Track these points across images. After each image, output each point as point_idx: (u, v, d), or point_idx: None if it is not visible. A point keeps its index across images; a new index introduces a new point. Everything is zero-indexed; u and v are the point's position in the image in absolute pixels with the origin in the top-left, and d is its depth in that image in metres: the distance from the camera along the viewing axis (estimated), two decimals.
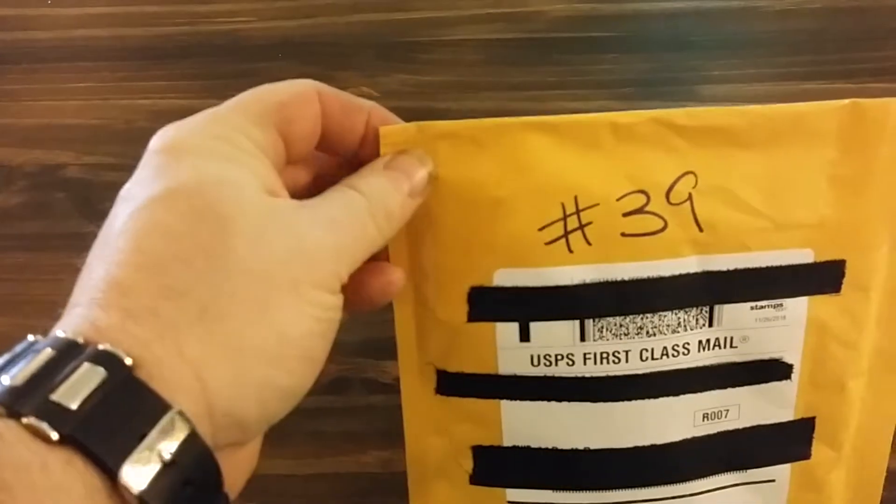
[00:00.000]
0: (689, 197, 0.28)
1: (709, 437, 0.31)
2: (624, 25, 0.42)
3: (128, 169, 0.45)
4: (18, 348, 0.21)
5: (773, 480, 0.32)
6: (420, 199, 0.28)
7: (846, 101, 0.29)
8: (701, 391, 0.31)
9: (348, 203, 0.25)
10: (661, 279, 0.29)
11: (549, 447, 0.31)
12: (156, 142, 0.25)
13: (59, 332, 0.21)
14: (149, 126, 0.47)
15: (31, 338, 0.21)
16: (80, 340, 0.20)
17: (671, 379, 0.30)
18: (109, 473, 0.19)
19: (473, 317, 0.30)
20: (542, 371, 0.30)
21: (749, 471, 0.32)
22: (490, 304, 0.29)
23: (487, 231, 0.29)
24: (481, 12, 0.43)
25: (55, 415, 0.19)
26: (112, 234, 0.23)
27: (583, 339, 0.29)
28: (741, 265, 0.29)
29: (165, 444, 0.19)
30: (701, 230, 0.29)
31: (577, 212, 0.28)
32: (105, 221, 0.24)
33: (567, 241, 0.29)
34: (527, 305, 0.29)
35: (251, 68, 0.44)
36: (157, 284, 0.21)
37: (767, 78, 0.42)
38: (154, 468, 0.19)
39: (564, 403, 0.30)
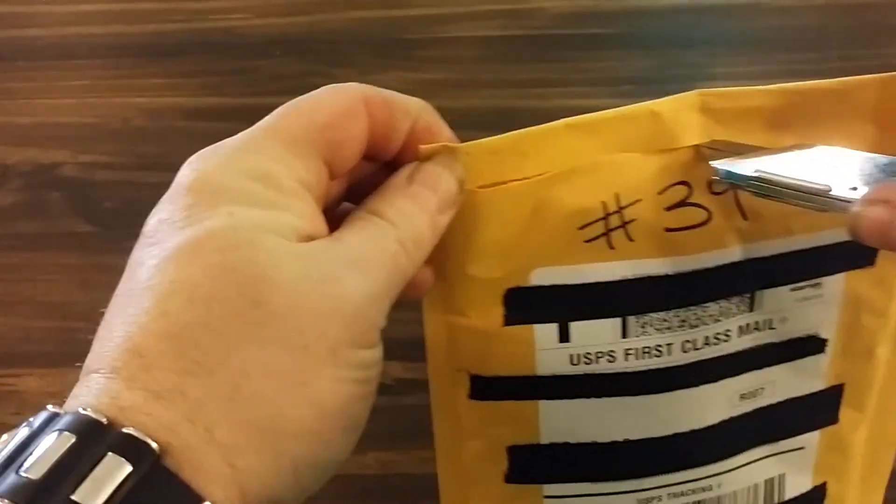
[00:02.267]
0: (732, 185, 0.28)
1: (745, 415, 0.31)
2: (625, 22, 0.41)
3: (124, 167, 0.45)
4: (36, 423, 0.19)
5: (803, 448, 0.32)
6: (451, 212, 0.26)
7: (884, 75, 0.28)
8: (740, 374, 0.30)
9: (376, 235, 0.23)
10: (705, 271, 0.29)
11: (588, 441, 0.31)
12: (188, 175, 0.23)
13: (80, 408, 0.19)
14: (145, 124, 0.47)
15: (50, 408, 0.20)
16: (104, 421, 0.18)
17: (712, 366, 0.30)
18: None
19: (510, 320, 0.29)
20: (581, 369, 0.30)
21: (780, 441, 0.32)
22: (528, 305, 0.29)
23: (525, 233, 0.28)
24: (480, 9, 0.42)
25: (12, 480, 0.17)
26: (136, 289, 0.21)
27: (625, 335, 0.29)
28: (784, 249, 0.29)
29: None
30: (745, 218, 0.28)
31: (620, 209, 0.28)
32: (129, 264, 0.22)
33: (609, 238, 0.28)
34: (566, 304, 0.29)
35: (248, 65, 0.44)
36: (184, 358, 0.19)
37: (769, 74, 0.41)
38: None
39: (604, 399, 0.30)
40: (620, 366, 0.29)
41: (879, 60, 0.41)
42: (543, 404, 0.30)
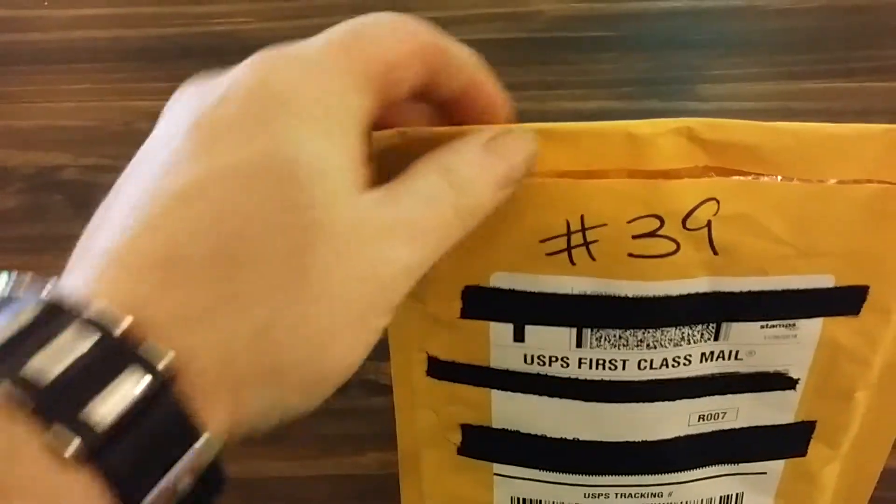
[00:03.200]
0: (708, 224, 0.27)
1: (703, 434, 0.31)
2: (624, 24, 0.42)
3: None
4: (39, 317, 0.18)
5: (765, 473, 0.32)
6: (511, 191, 0.24)
7: (885, 126, 0.26)
8: (700, 396, 0.30)
9: (435, 198, 0.22)
10: (667, 298, 0.28)
11: (538, 434, 0.31)
12: (257, 70, 0.21)
13: (101, 318, 0.17)
14: (147, 127, 0.47)
15: (73, 329, 0.17)
16: (117, 333, 0.17)
17: (669, 386, 0.30)
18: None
19: (467, 314, 0.29)
20: (535, 369, 0.30)
21: (741, 464, 0.32)
22: (485, 304, 0.29)
23: (487, 235, 0.27)
24: (479, 12, 0.42)
25: (84, 430, 0.16)
26: (176, 186, 0.19)
27: (579, 345, 0.29)
28: (756, 288, 0.28)
29: (187, 478, 0.18)
30: (716, 254, 0.27)
31: (583, 230, 0.27)
32: (165, 154, 0.20)
33: (570, 254, 0.28)
34: (523, 309, 0.29)
35: None
36: (223, 285, 0.18)
37: (767, 77, 0.41)
38: (168, 501, 0.17)
39: (556, 399, 0.30)
40: (573, 372, 0.29)
41: (876, 62, 0.41)
42: (496, 393, 0.31)
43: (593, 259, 0.27)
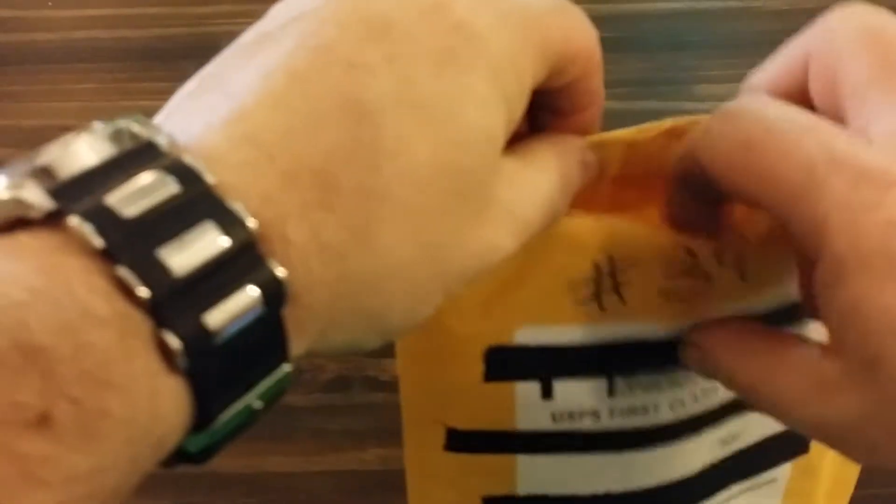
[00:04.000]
0: (742, 254, 0.26)
1: (724, 458, 0.30)
2: (620, 26, 0.42)
3: None
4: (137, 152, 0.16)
5: (775, 479, 0.32)
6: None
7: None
8: (721, 421, 0.29)
9: (547, 182, 0.22)
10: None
11: (568, 494, 0.29)
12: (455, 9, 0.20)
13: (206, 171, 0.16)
14: None
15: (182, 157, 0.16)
16: (250, 231, 0.16)
17: (697, 420, 0.29)
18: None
19: (490, 377, 0.27)
20: (563, 426, 0.28)
21: (753, 478, 0.32)
22: (510, 363, 0.27)
23: (511, 287, 0.26)
24: None
25: (153, 273, 0.15)
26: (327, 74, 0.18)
27: (611, 395, 0.28)
28: (782, 304, 0.27)
29: (257, 403, 0.17)
30: (744, 280, 0.26)
31: (613, 271, 0.26)
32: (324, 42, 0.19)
33: (599, 299, 0.26)
34: (552, 364, 0.27)
35: None
36: (362, 212, 0.18)
37: None
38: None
39: (586, 455, 0.28)
40: (605, 425, 0.28)
41: None
42: (522, 458, 0.29)
43: (624, 302, 0.26)
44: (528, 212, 0.22)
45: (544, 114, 0.24)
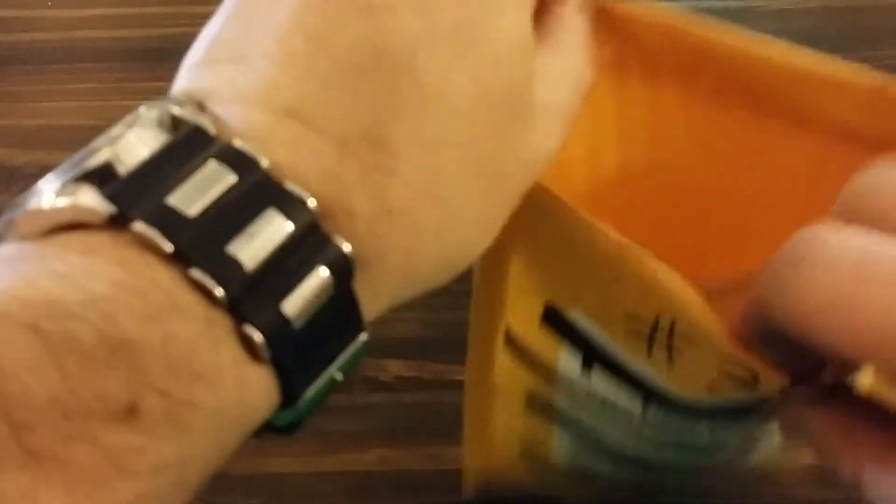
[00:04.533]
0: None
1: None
2: None
3: None
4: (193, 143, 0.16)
5: None
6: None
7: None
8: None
9: (577, 64, 0.21)
10: (737, 409, 0.26)
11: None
12: None
13: (247, 148, 0.16)
14: None
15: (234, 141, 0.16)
16: (311, 212, 0.16)
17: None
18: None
19: (545, 321, 0.28)
20: (598, 400, 0.29)
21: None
22: (561, 326, 0.27)
23: (572, 275, 0.26)
24: None
25: (226, 270, 0.15)
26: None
27: (644, 415, 0.28)
28: None
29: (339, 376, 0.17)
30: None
31: (671, 335, 0.24)
32: None
33: (650, 346, 0.25)
34: (595, 355, 0.27)
35: None
36: (422, 176, 0.17)
37: None
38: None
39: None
40: (637, 420, 0.28)
41: (873, 63, 0.41)
42: (559, 393, 0.29)
43: (671, 363, 0.25)
44: (567, 102, 0.21)
45: None
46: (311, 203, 0.16)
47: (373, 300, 0.17)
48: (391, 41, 0.17)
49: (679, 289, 0.23)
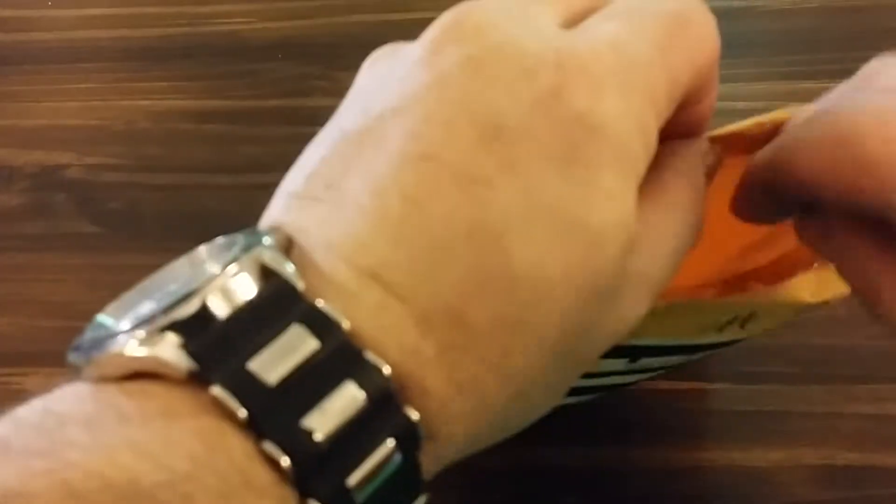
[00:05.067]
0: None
1: None
2: None
3: (129, 169, 0.45)
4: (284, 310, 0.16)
5: None
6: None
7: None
8: None
9: (680, 225, 0.20)
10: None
11: None
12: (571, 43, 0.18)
13: (340, 318, 0.16)
14: (149, 127, 0.47)
15: (318, 302, 0.16)
16: (386, 378, 0.16)
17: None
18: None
19: None
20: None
21: None
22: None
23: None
24: None
25: (297, 443, 0.15)
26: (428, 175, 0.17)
27: (629, 365, 0.29)
28: None
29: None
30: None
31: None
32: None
33: None
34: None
35: (251, 68, 0.44)
36: (499, 339, 0.17)
37: (766, 77, 0.42)
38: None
39: None
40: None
41: None
42: None
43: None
44: (661, 274, 0.20)
45: None
46: (387, 371, 0.16)
47: (433, 464, 0.17)
48: (485, 217, 0.17)
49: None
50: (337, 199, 0.17)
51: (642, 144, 0.18)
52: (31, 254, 0.46)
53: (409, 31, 0.44)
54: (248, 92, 0.44)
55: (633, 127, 0.18)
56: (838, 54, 0.41)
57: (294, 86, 0.43)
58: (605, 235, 0.18)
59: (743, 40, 0.42)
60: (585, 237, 0.17)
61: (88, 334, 0.16)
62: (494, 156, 0.17)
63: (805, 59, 0.41)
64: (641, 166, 0.19)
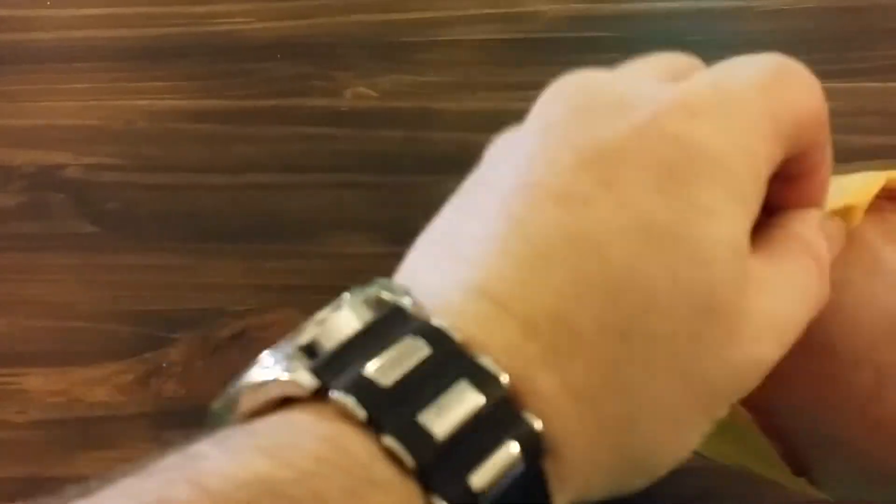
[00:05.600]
0: None
1: None
2: (620, 25, 0.42)
3: (126, 169, 0.45)
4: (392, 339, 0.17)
5: None
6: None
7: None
8: None
9: (802, 274, 0.20)
10: None
11: None
12: (666, 118, 0.19)
13: (484, 357, 0.16)
14: (147, 126, 0.47)
15: (438, 324, 0.17)
16: (504, 393, 0.16)
17: None
18: None
19: None
20: None
21: None
22: None
23: None
24: (478, 12, 0.43)
25: (417, 439, 0.15)
26: (570, 226, 0.18)
27: None
28: None
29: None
30: None
31: None
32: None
33: None
34: None
35: (248, 68, 0.44)
36: (612, 365, 0.17)
37: None
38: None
39: None
40: None
41: (870, 63, 0.41)
42: None
43: None
44: (789, 312, 0.20)
45: (770, 182, 0.20)
46: (504, 379, 0.16)
47: (560, 487, 0.17)
48: (583, 228, 0.18)
49: None
50: (456, 245, 0.19)
51: (746, 167, 0.19)
52: (29, 254, 0.46)
53: (407, 31, 0.44)
54: (245, 92, 0.44)
55: (733, 148, 0.18)
56: (836, 54, 0.41)
57: (292, 86, 0.43)
58: (711, 251, 0.18)
59: (741, 40, 0.42)
60: (688, 250, 0.18)
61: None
62: (593, 176, 0.18)
63: (803, 60, 0.41)
64: (749, 190, 0.19)
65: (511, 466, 0.16)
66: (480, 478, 0.15)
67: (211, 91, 0.44)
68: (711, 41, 0.42)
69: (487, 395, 0.16)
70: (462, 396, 0.16)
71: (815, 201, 0.22)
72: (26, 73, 0.45)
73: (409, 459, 0.15)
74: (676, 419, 0.18)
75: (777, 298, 0.19)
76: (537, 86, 0.43)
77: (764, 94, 0.19)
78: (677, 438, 0.19)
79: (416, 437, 0.15)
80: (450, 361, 0.16)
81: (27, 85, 0.45)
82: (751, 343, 0.19)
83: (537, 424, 0.16)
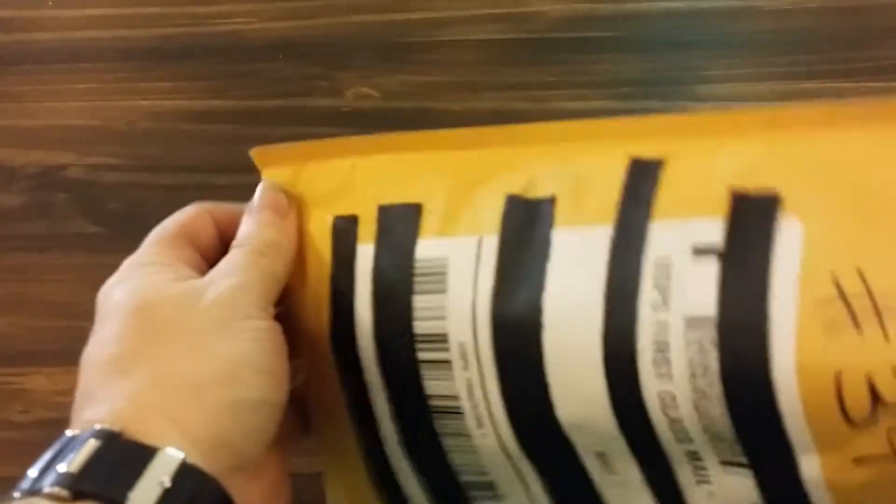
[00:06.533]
0: None
1: None
2: (622, 25, 0.42)
3: (129, 169, 0.45)
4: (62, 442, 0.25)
5: None
6: (292, 215, 0.32)
7: None
8: None
9: (239, 258, 0.30)
10: None
11: None
12: (128, 302, 0.30)
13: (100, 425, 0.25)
14: (150, 127, 0.47)
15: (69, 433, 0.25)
16: (116, 429, 0.25)
17: None
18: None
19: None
20: None
21: None
22: None
23: None
24: (480, 12, 0.43)
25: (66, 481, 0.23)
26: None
27: None
28: None
29: (162, 475, 0.23)
30: None
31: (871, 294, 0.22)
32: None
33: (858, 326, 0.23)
34: None
35: (251, 69, 0.44)
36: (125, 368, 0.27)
37: (766, 77, 0.42)
38: (155, 494, 0.23)
39: None
40: None
41: (874, 63, 0.41)
42: None
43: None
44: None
45: None
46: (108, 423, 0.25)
47: (159, 432, 0.25)
48: None
49: None
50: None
51: None
52: (32, 254, 0.46)
53: (409, 32, 0.44)
54: (248, 92, 0.44)
55: None
56: (838, 54, 0.41)
57: (295, 86, 0.44)
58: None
59: (742, 40, 0.42)
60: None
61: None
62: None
63: (805, 59, 0.41)
64: None
65: (89, 447, 0.24)
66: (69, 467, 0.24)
67: (214, 91, 0.44)
68: (713, 41, 0.42)
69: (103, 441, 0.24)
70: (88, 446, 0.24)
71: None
72: (29, 73, 0.46)
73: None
74: (218, 364, 0.27)
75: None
76: (539, 86, 0.44)
77: (159, 234, 0.33)
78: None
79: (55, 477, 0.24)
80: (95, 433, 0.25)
81: (30, 86, 0.45)
82: None
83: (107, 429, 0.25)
